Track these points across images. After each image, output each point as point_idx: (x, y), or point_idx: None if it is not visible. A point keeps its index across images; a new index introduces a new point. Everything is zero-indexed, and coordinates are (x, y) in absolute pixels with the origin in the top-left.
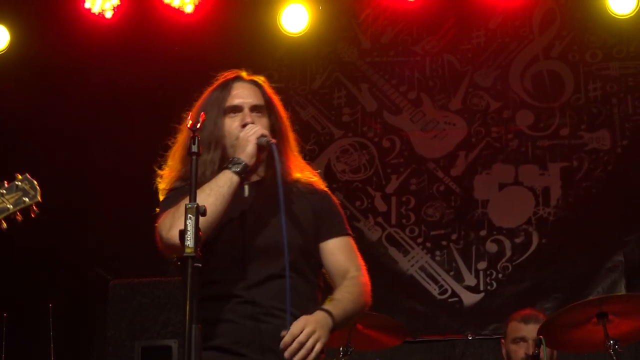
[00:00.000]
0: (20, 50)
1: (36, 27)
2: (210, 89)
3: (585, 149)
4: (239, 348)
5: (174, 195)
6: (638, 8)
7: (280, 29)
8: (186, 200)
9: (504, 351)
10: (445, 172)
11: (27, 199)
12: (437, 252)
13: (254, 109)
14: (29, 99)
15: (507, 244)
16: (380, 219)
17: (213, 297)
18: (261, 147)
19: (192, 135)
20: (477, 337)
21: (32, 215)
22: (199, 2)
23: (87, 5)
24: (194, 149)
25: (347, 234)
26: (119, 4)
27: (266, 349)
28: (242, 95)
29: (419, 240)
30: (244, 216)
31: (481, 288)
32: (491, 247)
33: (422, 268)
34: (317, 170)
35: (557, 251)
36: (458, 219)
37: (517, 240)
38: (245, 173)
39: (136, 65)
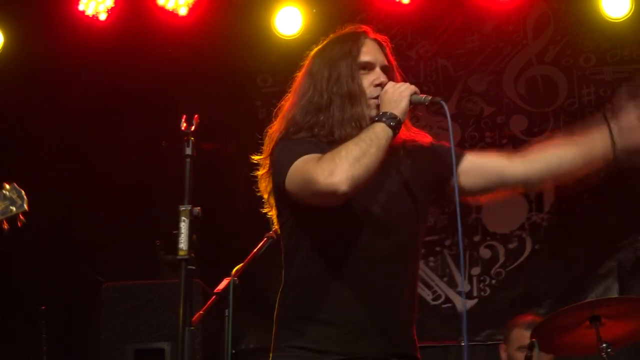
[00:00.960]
0: (14, 52)
1: (30, 29)
2: (332, 39)
3: None
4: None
5: (305, 144)
6: (632, 11)
7: (275, 31)
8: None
9: (504, 356)
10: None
11: (14, 208)
12: (431, 258)
13: (383, 69)
14: (23, 102)
15: (501, 249)
16: None
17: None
18: (414, 105)
19: (186, 138)
20: (470, 343)
21: (19, 225)
22: (193, 5)
23: (81, 7)
24: (188, 151)
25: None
26: (113, 6)
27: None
28: (374, 52)
29: None
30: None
31: (475, 294)
32: (485, 252)
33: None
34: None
35: (550, 257)
36: (452, 224)
37: (511, 246)
38: (399, 130)
39: (130, 68)
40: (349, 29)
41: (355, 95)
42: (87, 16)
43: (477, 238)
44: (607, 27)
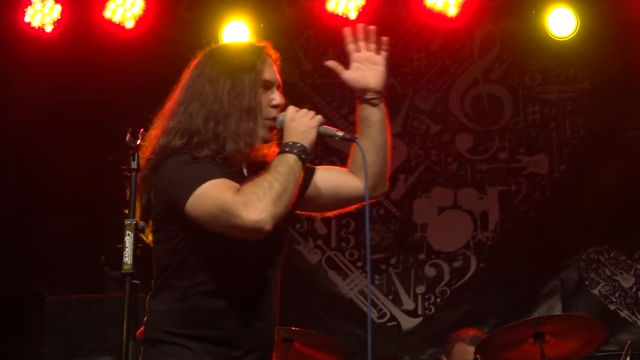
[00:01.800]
0: None
1: None
2: (232, 48)
3: (523, 173)
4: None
5: (208, 165)
6: (577, 30)
7: None
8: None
9: None
10: (385, 195)
11: None
12: (377, 276)
13: (279, 89)
14: None
15: (446, 268)
16: (320, 242)
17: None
18: (322, 136)
19: (130, 152)
20: None
21: None
22: (140, 18)
23: (27, 19)
24: (134, 165)
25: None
26: (59, 18)
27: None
28: (273, 71)
29: (359, 264)
30: None
31: (419, 312)
32: (430, 271)
33: (361, 292)
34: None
35: (495, 276)
36: (397, 242)
37: (456, 265)
38: (305, 163)
39: (76, 80)
40: (248, 41)
41: (253, 112)
42: (33, 28)
43: (422, 256)
44: (552, 46)
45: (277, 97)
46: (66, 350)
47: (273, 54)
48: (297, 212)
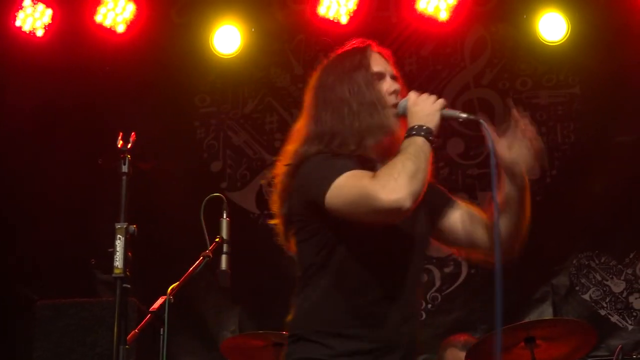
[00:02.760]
0: None
1: None
2: (337, 56)
3: None
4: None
5: (344, 159)
6: (568, 35)
7: (213, 50)
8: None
9: None
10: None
11: None
12: None
13: (393, 77)
14: None
15: (437, 273)
16: None
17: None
18: (445, 119)
19: (122, 156)
20: None
21: None
22: (131, 22)
23: (17, 23)
24: (124, 169)
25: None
26: (50, 22)
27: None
28: (382, 62)
29: None
30: None
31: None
32: None
33: None
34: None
35: (486, 281)
36: None
37: (447, 270)
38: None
39: (67, 85)
40: (352, 44)
41: (378, 103)
42: (24, 32)
43: None
44: (543, 51)
45: (391, 84)
46: (56, 356)
47: (379, 49)
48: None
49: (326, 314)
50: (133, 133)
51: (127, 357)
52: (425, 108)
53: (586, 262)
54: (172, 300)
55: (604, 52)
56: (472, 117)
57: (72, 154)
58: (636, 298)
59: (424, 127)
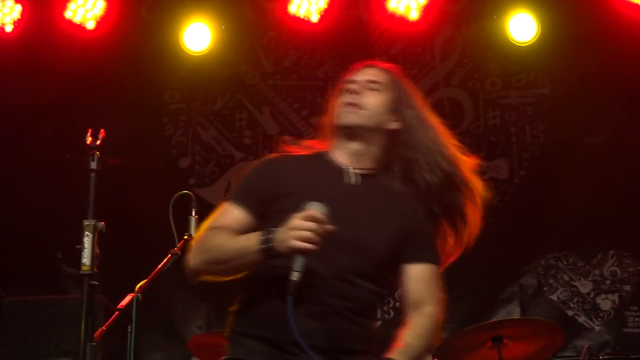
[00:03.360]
0: None
1: None
2: None
3: (482, 178)
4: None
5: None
6: (538, 35)
7: (183, 47)
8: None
9: None
10: None
11: None
12: None
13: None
14: None
15: None
16: None
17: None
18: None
19: (91, 152)
20: None
21: None
22: (101, 19)
23: None
24: (93, 166)
25: (435, 262)
26: (19, 18)
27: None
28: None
29: None
30: (342, 205)
31: (378, 316)
32: None
33: None
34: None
35: (453, 281)
36: None
37: None
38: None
39: (36, 81)
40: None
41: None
42: None
43: None
44: (513, 51)
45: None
46: (23, 352)
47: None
48: None
49: (243, 319)
50: (102, 130)
51: (94, 354)
52: (291, 233)
53: (554, 263)
54: (140, 298)
55: (574, 53)
56: (291, 287)
57: (40, 151)
58: (603, 299)
59: (274, 247)
